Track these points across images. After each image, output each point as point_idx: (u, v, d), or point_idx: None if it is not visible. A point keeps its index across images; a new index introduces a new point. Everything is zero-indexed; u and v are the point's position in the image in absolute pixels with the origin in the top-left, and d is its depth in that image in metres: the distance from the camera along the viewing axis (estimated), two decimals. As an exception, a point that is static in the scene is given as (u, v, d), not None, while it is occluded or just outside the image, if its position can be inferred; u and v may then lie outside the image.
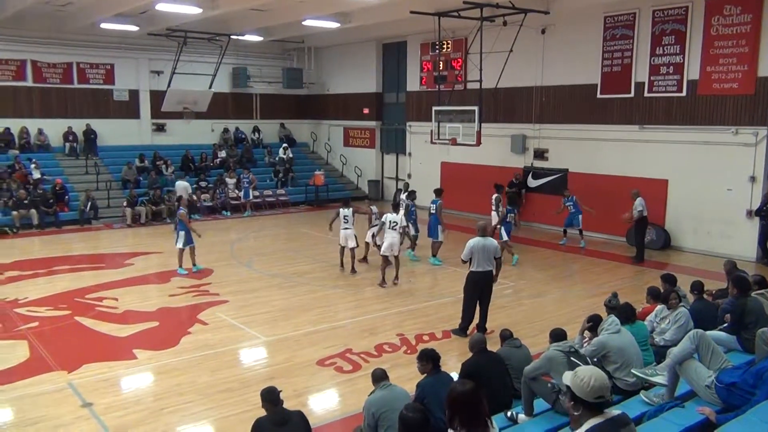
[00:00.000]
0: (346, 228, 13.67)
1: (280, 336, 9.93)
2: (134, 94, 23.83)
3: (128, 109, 23.78)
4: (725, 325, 7.24)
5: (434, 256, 14.69)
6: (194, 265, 13.78)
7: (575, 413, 3.56)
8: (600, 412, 3.53)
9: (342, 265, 14.02)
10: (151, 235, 18.01)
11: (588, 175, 17.57)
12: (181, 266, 13.65)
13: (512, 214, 14.81)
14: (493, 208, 15.90)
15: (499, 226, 14.76)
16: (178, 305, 11.51)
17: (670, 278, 8.41)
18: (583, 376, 3.53)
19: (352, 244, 13.67)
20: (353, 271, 13.78)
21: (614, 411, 3.68)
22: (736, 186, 14.97)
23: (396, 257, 12.85)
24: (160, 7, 17.08)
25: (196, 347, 9.38)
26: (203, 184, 22.24)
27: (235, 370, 8.65)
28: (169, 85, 22.39)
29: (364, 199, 21.04)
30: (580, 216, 16.20)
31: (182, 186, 19.67)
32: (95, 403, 7.47)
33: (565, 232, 16.77)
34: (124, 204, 19.75)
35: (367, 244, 14.35)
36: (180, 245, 13.57)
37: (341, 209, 13.94)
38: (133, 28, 20.51)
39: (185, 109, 23.00)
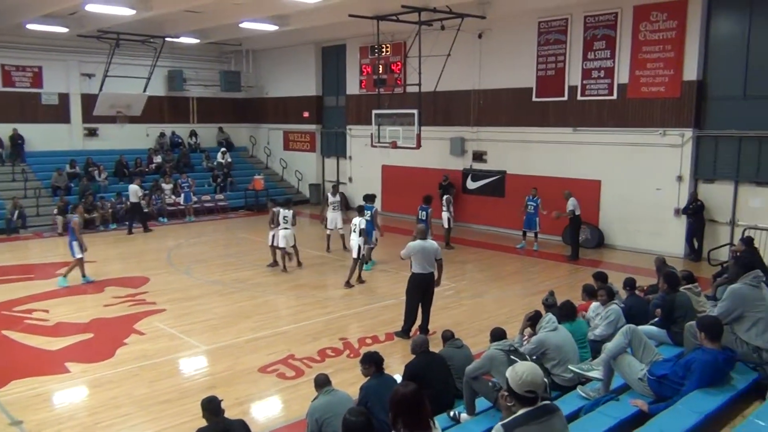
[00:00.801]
0: (286, 228, 13.92)
1: (220, 344, 9.75)
2: (64, 97, 22.98)
3: (58, 113, 22.91)
4: (656, 319, 7.51)
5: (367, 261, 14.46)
6: (84, 276, 13.28)
7: (509, 404, 3.83)
8: (531, 404, 3.74)
9: (282, 266, 14.17)
10: (83, 244, 17.38)
11: (525, 176, 17.94)
12: (84, 275, 13.23)
13: (424, 212, 14.81)
14: (444, 209, 16.16)
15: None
16: (113, 315, 11.13)
17: (602, 276, 8.68)
18: (519, 370, 3.79)
19: (292, 242, 14.12)
20: (297, 264, 14.44)
21: (546, 402, 3.92)
22: (664, 185, 15.59)
23: (354, 260, 12.90)
24: (91, 8, 16.51)
25: (133, 358, 9.11)
26: (139, 190, 21.64)
27: (174, 381, 8.43)
28: (101, 89, 21.68)
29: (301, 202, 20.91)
30: (537, 219, 16.27)
31: (133, 189, 19.24)
32: (26, 421, 7.14)
33: (524, 234, 16.71)
34: (55, 212, 19.01)
35: (272, 247, 14.37)
36: (79, 254, 13.02)
37: (281, 209, 14.12)
38: (62, 29, 19.77)
39: (118, 113, 22.32)
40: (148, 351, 9.40)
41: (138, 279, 13.52)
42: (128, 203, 19.38)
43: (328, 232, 16.09)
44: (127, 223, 19.26)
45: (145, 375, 8.51)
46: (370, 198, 14.84)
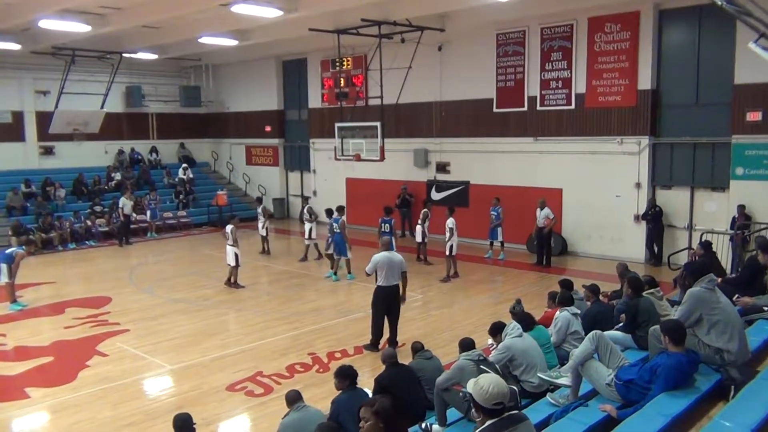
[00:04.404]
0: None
1: (186, 363, 9.59)
2: (18, 115, 22.38)
3: (11, 131, 22.29)
4: (621, 324, 7.62)
5: (349, 272, 14.78)
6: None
7: (478, 418, 3.85)
8: (498, 416, 3.76)
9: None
10: (41, 265, 16.93)
11: (489, 186, 18.12)
12: (15, 301, 12.83)
13: (387, 224, 15.15)
14: (420, 222, 16.25)
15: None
16: (74, 337, 10.88)
17: (566, 283, 8.78)
18: (483, 384, 3.79)
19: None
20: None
21: (513, 412, 3.94)
22: (623, 192, 15.91)
23: (448, 257, 14.58)
24: (44, 24, 16.19)
25: (96, 381, 8.90)
26: (98, 208, 21.19)
27: (139, 402, 8.26)
28: (56, 106, 21.25)
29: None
30: (500, 229, 16.52)
31: (124, 202, 19.97)
32: (-17, 450, 6.92)
33: (491, 244, 16.98)
34: (9, 233, 18.46)
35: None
36: (6, 279, 12.68)
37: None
38: (15, 46, 19.29)
39: (75, 130, 21.91)
40: (111, 373, 9.20)
41: (100, 299, 13.24)
42: (123, 216, 19.99)
43: (306, 242, 16.71)
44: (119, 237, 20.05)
45: (109, 398, 8.32)
46: (338, 210, 15.05)
